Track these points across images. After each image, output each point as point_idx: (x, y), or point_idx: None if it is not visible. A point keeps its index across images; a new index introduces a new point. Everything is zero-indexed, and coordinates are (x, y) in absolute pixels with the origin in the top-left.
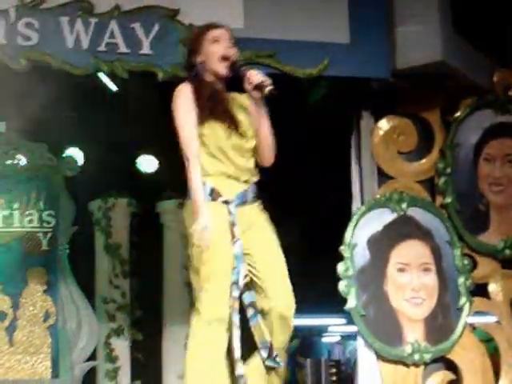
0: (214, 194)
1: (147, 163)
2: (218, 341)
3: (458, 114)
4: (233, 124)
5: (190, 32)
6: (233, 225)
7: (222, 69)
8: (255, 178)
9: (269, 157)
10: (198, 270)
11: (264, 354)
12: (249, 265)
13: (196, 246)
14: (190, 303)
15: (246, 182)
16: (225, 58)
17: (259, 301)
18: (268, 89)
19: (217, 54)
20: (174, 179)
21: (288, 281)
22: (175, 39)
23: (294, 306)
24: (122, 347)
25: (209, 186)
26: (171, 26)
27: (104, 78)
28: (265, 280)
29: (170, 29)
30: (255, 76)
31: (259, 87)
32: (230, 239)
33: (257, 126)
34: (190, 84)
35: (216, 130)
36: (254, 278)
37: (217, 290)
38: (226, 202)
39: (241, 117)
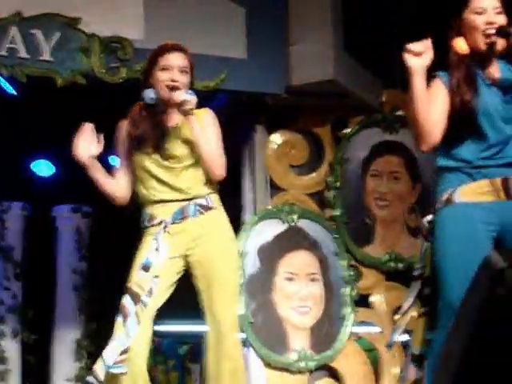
0: (150, 220)
1: (43, 168)
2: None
3: (347, 130)
4: (156, 149)
5: (91, 41)
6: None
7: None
8: (202, 192)
9: (212, 173)
10: None
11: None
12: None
13: None
14: (78, 308)
15: (184, 200)
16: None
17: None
18: (185, 108)
19: (164, 82)
20: (69, 184)
21: (224, 300)
22: (76, 47)
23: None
24: (12, 349)
25: (147, 212)
26: (72, 35)
27: (2, 82)
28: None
29: (71, 37)
30: (178, 95)
31: (180, 106)
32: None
33: (194, 144)
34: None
35: (143, 159)
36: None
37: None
38: (160, 223)
39: (172, 139)
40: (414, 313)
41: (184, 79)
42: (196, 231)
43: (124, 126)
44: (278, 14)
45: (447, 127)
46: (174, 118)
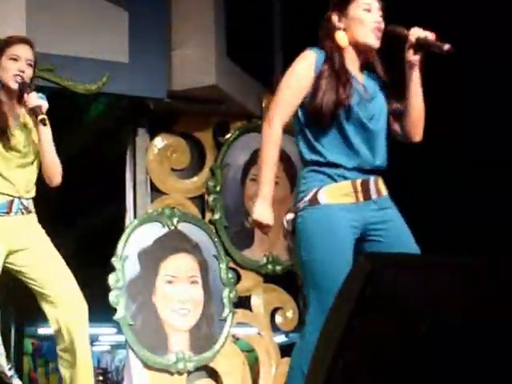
0: None
1: None
2: None
3: (228, 135)
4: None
5: None
6: None
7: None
8: (28, 194)
9: (51, 180)
10: None
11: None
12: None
13: None
14: None
15: (11, 195)
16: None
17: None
18: (40, 117)
19: (12, 71)
20: None
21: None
22: None
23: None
24: None
25: None
26: None
27: None
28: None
29: None
30: (32, 99)
31: (34, 111)
32: None
33: (39, 148)
34: None
35: None
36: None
37: None
38: None
39: (17, 132)
40: None
41: (30, 72)
42: (17, 230)
43: None
44: (160, 18)
45: (315, 124)
46: (21, 112)
